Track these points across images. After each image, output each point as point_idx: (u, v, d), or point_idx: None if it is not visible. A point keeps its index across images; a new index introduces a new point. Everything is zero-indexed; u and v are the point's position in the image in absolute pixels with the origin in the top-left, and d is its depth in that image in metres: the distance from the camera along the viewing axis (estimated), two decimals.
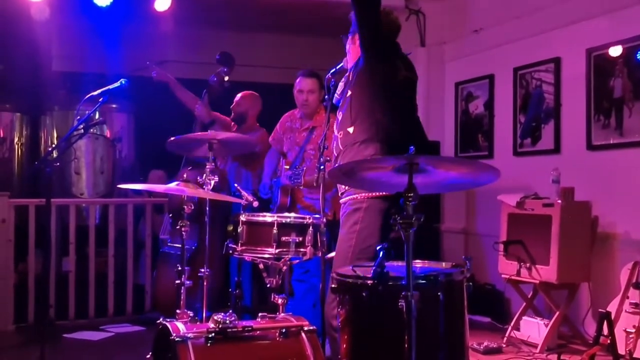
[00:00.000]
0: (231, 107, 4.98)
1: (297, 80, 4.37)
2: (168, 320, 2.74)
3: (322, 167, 3.15)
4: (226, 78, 4.79)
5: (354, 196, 2.94)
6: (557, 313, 4.47)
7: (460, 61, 6.31)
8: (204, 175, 3.18)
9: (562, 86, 5.14)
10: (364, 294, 2.30)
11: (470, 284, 2.42)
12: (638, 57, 4.50)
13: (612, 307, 4.00)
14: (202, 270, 3.27)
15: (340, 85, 3.09)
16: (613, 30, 4.67)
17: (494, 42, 5.81)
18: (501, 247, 4.76)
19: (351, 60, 3.17)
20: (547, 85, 5.26)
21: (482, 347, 4.42)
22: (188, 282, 3.14)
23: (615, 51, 4.64)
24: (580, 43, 4.91)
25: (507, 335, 4.74)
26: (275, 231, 2.92)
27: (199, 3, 6.32)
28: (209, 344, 2.55)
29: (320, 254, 3.02)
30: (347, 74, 3.17)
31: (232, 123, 4.98)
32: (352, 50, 3.16)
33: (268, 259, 3.01)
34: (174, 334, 2.57)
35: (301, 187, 4.25)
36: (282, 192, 4.33)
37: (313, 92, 4.27)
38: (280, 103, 4.73)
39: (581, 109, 4.89)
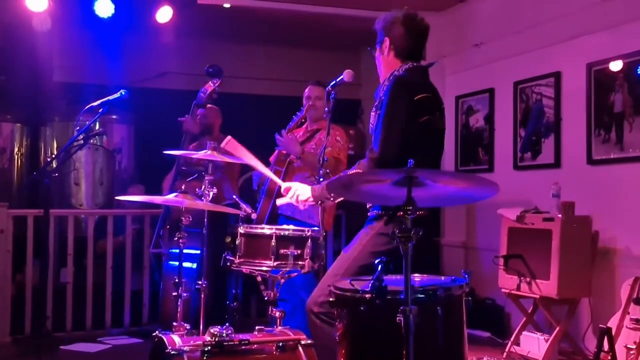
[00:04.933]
0: (197, 119, 5.03)
1: (307, 89, 4.64)
2: (164, 332, 2.72)
3: (321, 179, 3.14)
4: (217, 89, 4.83)
5: (382, 212, 2.90)
6: (558, 328, 4.44)
7: (461, 75, 6.31)
8: (202, 186, 3.17)
9: (562, 100, 5.14)
10: (362, 308, 2.28)
11: (470, 298, 2.40)
12: (638, 72, 4.50)
13: (612, 323, 3.97)
14: (200, 282, 3.26)
15: (372, 115, 3.04)
16: (613, 45, 4.68)
17: (495, 56, 5.81)
18: (501, 261, 4.74)
19: (381, 71, 3.10)
20: (548, 99, 5.25)
21: None
22: (185, 295, 3.13)
23: (616, 66, 4.65)
24: (580, 58, 4.92)
25: (507, 350, 4.70)
26: (273, 243, 2.90)
27: (200, 15, 6.34)
28: (205, 358, 2.53)
29: (318, 267, 3.00)
30: (376, 102, 3.06)
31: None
32: (382, 60, 3.10)
33: (266, 271, 2.99)
34: (170, 347, 2.55)
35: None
36: (266, 197, 4.39)
37: (320, 98, 4.50)
38: (278, 115, 4.74)
39: (581, 124, 4.89)
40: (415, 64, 3.03)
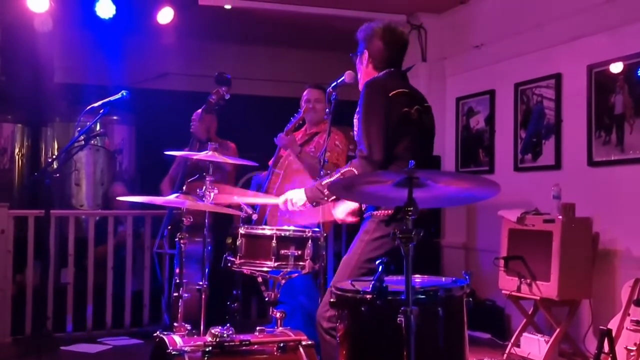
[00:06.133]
0: (192, 129, 5.01)
1: (305, 92, 4.61)
2: (165, 333, 2.73)
3: None
4: (227, 97, 4.82)
5: (375, 212, 2.92)
6: (558, 330, 4.44)
7: (461, 76, 6.32)
8: (204, 187, 3.17)
9: (562, 102, 5.14)
10: (362, 308, 2.28)
11: (470, 299, 2.40)
12: (639, 74, 4.50)
13: (613, 324, 3.97)
14: (200, 283, 3.26)
15: (355, 122, 3.06)
16: (614, 46, 4.68)
17: (495, 57, 5.82)
18: (501, 262, 4.74)
19: (360, 79, 3.16)
20: (548, 101, 5.26)
21: None
22: (186, 295, 3.13)
23: (616, 68, 4.65)
24: (581, 59, 4.92)
25: (507, 351, 4.71)
26: (274, 244, 2.90)
27: (200, 17, 6.35)
28: (206, 358, 2.53)
29: (318, 268, 3.00)
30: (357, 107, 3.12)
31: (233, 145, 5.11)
32: (362, 70, 3.15)
33: (267, 272, 2.99)
34: (171, 348, 2.55)
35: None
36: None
37: (319, 101, 4.48)
38: (278, 116, 4.74)
39: (582, 125, 4.89)
40: (392, 69, 3.07)
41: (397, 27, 3.14)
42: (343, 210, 3.14)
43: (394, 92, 2.91)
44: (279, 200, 3.15)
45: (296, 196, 3.03)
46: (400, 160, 2.84)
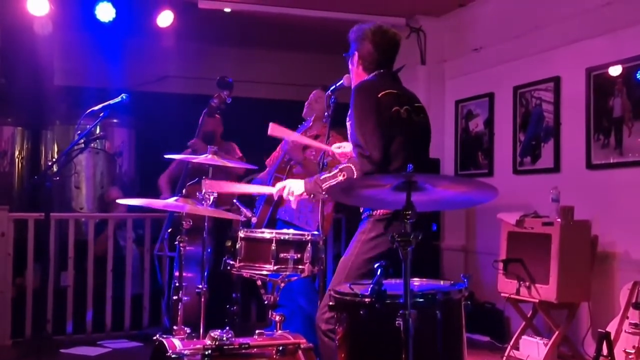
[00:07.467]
0: (198, 129, 5.03)
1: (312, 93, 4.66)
2: (164, 336, 2.73)
3: None
4: (228, 100, 4.83)
5: (372, 212, 2.93)
6: (557, 332, 4.45)
7: (461, 79, 6.33)
8: (203, 190, 3.18)
9: (561, 105, 5.15)
10: (361, 312, 2.28)
11: (469, 302, 2.41)
12: (637, 77, 4.51)
13: (611, 327, 3.98)
14: (200, 286, 3.27)
15: (348, 125, 3.08)
16: (613, 49, 4.69)
17: (494, 60, 5.83)
18: (501, 265, 4.74)
19: (352, 79, 3.18)
20: (547, 104, 5.27)
21: None
22: (186, 298, 3.14)
23: (615, 71, 4.66)
24: (580, 62, 4.93)
25: (506, 354, 4.71)
26: (273, 247, 2.91)
27: (200, 20, 6.36)
28: None
29: (318, 271, 3.01)
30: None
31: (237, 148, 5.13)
32: (353, 71, 3.17)
33: (266, 275, 3.00)
34: (170, 351, 2.56)
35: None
36: (265, 203, 4.38)
37: (318, 101, 4.51)
38: (278, 119, 4.74)
39: (581, 128, 4.90)
40: (382, 71, 3.08)
41: (388, 28, 3.14)
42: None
43: (383, 92, 2.92)
44: (276, 188, 3.15)
45: (295, 186, 3.04)
46: (394, 160, 2.86)
